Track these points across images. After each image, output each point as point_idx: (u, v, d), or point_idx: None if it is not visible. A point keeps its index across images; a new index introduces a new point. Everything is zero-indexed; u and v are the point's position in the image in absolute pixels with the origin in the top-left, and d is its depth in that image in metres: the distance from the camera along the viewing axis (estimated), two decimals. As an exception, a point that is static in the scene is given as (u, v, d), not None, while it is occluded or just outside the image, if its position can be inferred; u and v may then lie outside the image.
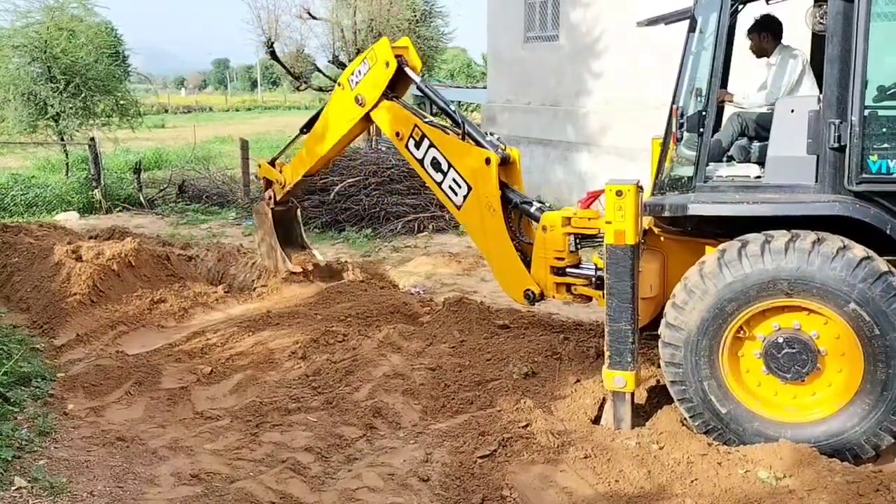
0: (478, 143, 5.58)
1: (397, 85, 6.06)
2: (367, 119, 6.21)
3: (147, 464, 4.27)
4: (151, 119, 22.90)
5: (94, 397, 5.24)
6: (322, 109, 6.70)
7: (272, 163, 7.37)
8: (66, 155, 15.33)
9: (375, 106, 6.03)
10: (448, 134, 5.72)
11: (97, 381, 5.42)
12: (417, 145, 5.80)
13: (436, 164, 5.72)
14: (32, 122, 14.53)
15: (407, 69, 5.94)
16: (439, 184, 5.74)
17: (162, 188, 15.19)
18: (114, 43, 17.08)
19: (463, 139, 5.63)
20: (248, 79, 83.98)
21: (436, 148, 5.70)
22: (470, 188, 5.54)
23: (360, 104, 6.11)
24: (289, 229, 7.64)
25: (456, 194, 5.65)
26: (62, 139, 15.08)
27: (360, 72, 6.13)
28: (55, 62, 13.97)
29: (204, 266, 8.62)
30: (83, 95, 14.27)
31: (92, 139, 14.22)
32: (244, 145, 14.81)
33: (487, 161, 5.42)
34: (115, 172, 15.60)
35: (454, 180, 5.63)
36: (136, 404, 5.17)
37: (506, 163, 5.54)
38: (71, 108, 14.23)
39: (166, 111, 41.87)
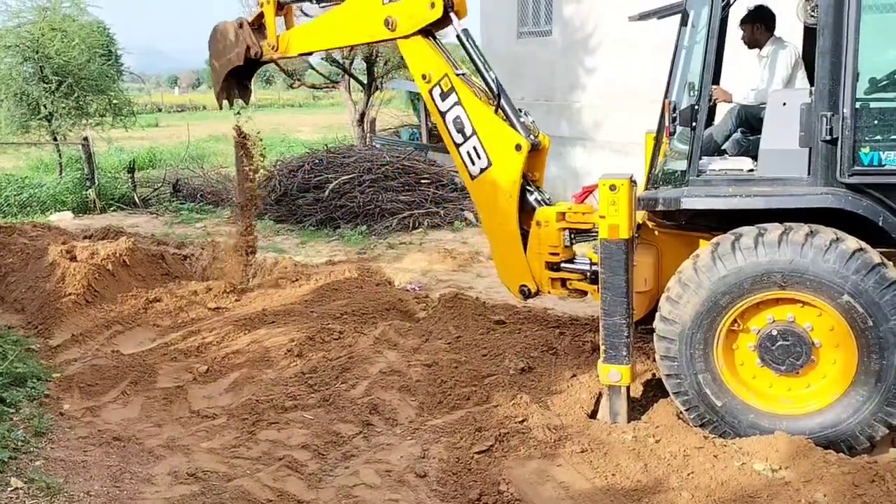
0: (509, 121, 5.18)
1: (435, 23, 5.38)
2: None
3: (144, 463, 4.26)
4: (145, 118, 22.86)
5: (90, 397, 5.23)
6: None
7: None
8: (60, 155, 15.27)
9: (406, 38, 5.40)
10: (480, 99, 5.27)
11: (93, 380, 5.41)
12: (444, 96, 5.30)
13: (458, 125, 5.26)
14: (25, 122, 14.46)
15: (452, 14, 5.27)
16: (458, 146, 5.29)
17: (156, 187, 15.14)
18: (106, 42, 16.98)
19: (496, 112, 5.21)
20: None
21: (463, 108, 5.24)
22: (490, 164, 5.22)
23: (390, 28, 5.39)
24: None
25: (474, 164, 5.25)
26: (55, 139, 15.02)
27: None
28: (47, 62, 13.90)
29: (199, 265, 8.61)
30: (76, 95, 14.21)
31: (85, 139, 14.16)
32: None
33: (518, 147, 5.07)
34: (109, 172, 15.55)
35: (475, 149, 5.22)
36: (132, 404, 5.16)
37: (535, 149, 5.19)
38: (63, 107, 14.17)
39: (160, 110, 41.76)
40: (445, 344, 5.89)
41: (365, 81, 16.23)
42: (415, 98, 19.53)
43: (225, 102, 6.77)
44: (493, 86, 5.27)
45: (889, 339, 4.00)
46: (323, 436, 4.56)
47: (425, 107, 18.05)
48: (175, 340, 6.29)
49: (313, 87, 18.47)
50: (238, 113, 7.09)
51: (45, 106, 14.08)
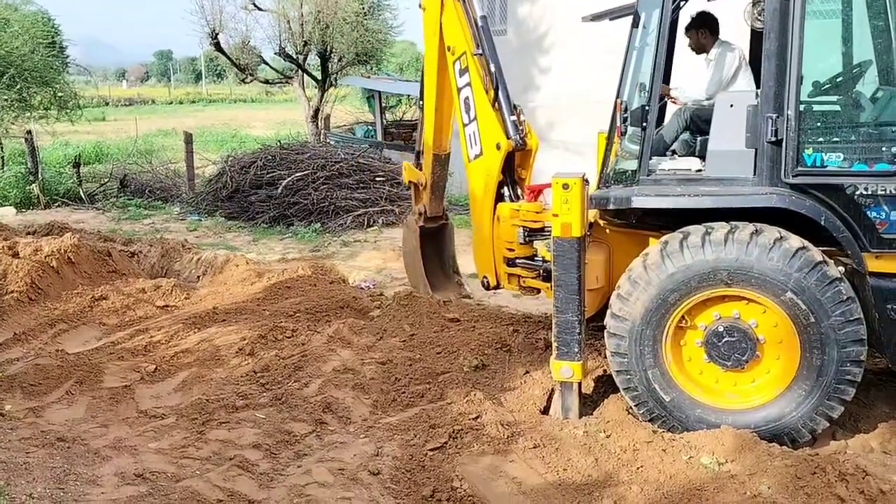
0: (501, 117, 5.30)
1: None
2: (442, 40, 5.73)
3: (89, 464, 4.16)
4: (91, 112, 22.26)
5: (33, 397, 5.09)
6: None
7: (417, 162, 6.47)
8: (2, 149, 14.82)
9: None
10: (484, 89, 5.40)
11: (36, 380, 5.26)
12: (461, 73, 5.49)
13: (467, 106, 5.44)
14: (-36, 115, 13.99)
15: None
16: (465, 125, 5.48)
17: (103, 182, 14.80)
18: (51, 33, 16.48)
19: (492, 105, 5.35)
20: (192, 71, 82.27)
21: (472, 90, 5.41)
22: (481, 153, 5.37)
23: None
24: (439, 248, 6.78)
25: (471, 148, 5.46)
26: (-3, 132, 14.57)
27: None
28: (-12, 52, 13.46)
29: (147, 262, 8.45)
30: (19, 87, 13.77)
31: (29, 132, 13.77)
32: (188, 138, 14.54)
33: (497, 146, 5.24)
34: (54, 166, 15.16)
35: (474, 134, 5.43)
36: (77, 404, 5.03)
37: (520, 149, 5.34)
38: (6, 100, 13.72)
39: (107, 104, 40.77)
40: (399, 342, 5.88)
41: (319, 77, 16.08)
42: (369, 95, 19.42)
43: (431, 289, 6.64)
44: (493, 77, 5.40)
45: (830, 335, 4.12)
46: (275, 435, 4.51)
47: (380, 104, 17.96)
48: (122, 339, 6.15)
49: (266, 82, 18.22)
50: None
51: (-15, 98, 13.61)
